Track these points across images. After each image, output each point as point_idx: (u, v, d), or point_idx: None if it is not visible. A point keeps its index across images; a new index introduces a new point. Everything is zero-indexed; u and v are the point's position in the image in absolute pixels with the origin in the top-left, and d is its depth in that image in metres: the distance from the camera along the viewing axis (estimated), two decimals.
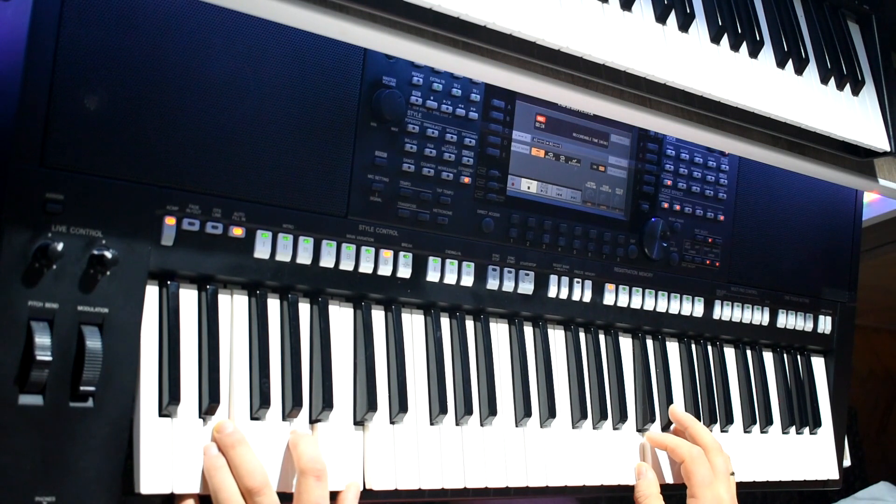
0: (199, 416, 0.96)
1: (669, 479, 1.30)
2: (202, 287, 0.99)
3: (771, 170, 1.43)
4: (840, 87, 1.27)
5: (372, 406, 1.06)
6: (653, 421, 1.31)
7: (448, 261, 1.15)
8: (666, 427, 1.33)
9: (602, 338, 1.30)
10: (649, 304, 1.33)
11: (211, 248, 0.98)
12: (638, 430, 1.31)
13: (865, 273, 1.64)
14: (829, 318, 1.56)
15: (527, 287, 1.22)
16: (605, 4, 1.05)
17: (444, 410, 1.11)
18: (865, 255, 1.78)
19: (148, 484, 0.91)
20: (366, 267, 1.08)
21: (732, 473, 1.27)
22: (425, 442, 1.10)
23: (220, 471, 0.93)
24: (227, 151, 0.99)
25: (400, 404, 1.08)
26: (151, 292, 0.95)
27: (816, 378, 1.55)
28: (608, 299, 1.29)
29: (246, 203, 1.00)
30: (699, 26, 1.13)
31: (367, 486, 1.05)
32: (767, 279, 1.48)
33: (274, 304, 1.04)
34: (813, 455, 1.50)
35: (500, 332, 1.21)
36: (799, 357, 1.54)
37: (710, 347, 1.42)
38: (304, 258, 1.04)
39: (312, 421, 1.04)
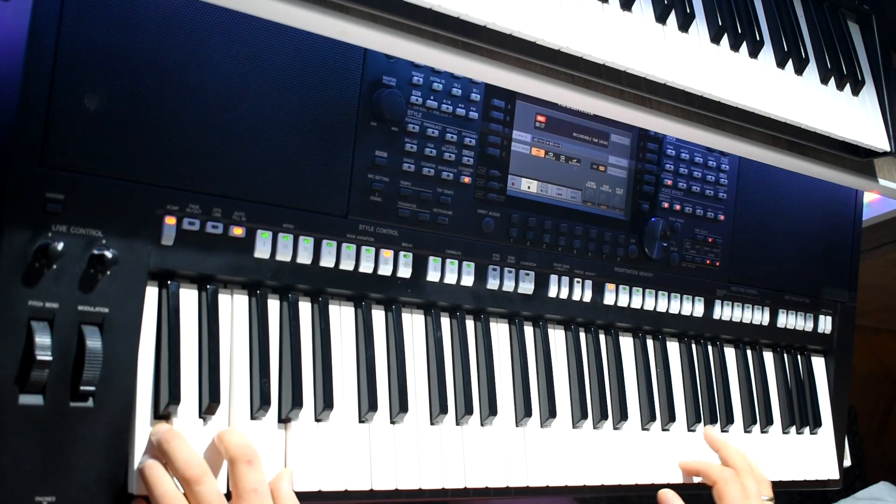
0: (199, 416, 0.96)
1: (675, 479, 1.30)
2: (202, 287, 0.99)
3: (771, 170, 1.43)
4: (840, 87, 1.27)
5: (372, 406, 1.06)
6: (653, 420, 1.31)
7: (448, 260, 1.15)
8: (666, 427, 1.33)
9: (602, 337, 1.30)
10: (649, 304, 1.33)
11: (211, 248, 0.98)
12: (640, 430, 1.31)
13: (865, 273, 1.64)
14: (829, 318, 1.56)
15: (527, 287, 1.22)
16: (605, 4, 1.05)
17: (444, 410, 1.11)
18: (865, 255, 1.78)
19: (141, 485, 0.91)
20: (366, 267, 1.08)
21: (771, 499, 1.27)
22: (426, 442, 1.10)
23: (151, 468, 0.90)
24: (228, 151, 0.99)
25: (400, 404, 1.08)
26: (151, 292, 0.95)
27: (816, 378, 1.55)
28: (608, 299, 1.29)
29: (246, 203, 1.00)
30: (699, 26, 1.13)
31: (368, 486, 1.05)
32: (767, 279, 1.48)
33: (274, 304, 1.04)
34: (813, 455, 1.50)
35: (500, 331, 1.21)
36: (799, 357, 1.54)
37: (710, 347, 1.42)
38: (305, 258, 1.04)
39: (313, 420, 1.04)
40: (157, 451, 0.92)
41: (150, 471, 0.90)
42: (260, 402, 0.99)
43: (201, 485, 0.89)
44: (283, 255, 1.03)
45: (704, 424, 1.37)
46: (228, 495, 0.94)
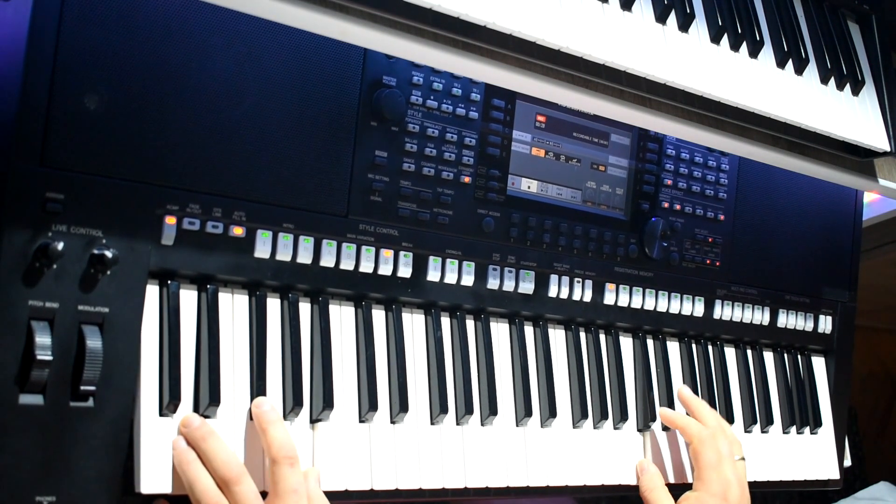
0: (200, 416, 0.96)
1: (671, 479, 1.30)
2: (202, 287, 0.99)
3: (771, 170, 1.43)
4: (840, 87, 1.27)
5: (373, 406, 1.06)
6: (654, 420, 1.31)
7: (448, 260, 1.15)
8: (666, 427, 1.33)
9: (602, 337, 1.30)
10: (650, 304, 1.33)
11: (211, 248, 0.98)
12: (639, 430, 1.31)
13: (865, 273, 1.64)
14: (829, 318, 1.56)
15: (527, 287, 1.22)
16: (605, 4, 1.05)
17: (444, 410, 1.11)
18: (865, 255, 1.78)
19: (148, 484, 0.91)
20: (366, 266, 1.08)
21: (742, 458, 1.27)
22: (426, 442, 1.10)
23: (192, 464, 0.91)
24: (228, 151, 0.99)
25: (400, 404, 1.08)
26: (152, 292, 0.95)
27: (817, 378, 1.55)
28: (608, 299, 1.29)
29: (246, 202, 1.00)
30: (699, 26, 1.13)
31: (369, 486, 1.05)
32: (767, 279, 1.48)
33: (274, 304, 1.04)
34: (813, 455, 1.50)
35: (500, 331, 1.21)
36: (799, 357, 1.54)
37: (710, 347, 1.42)
38: (305, 258, 1.04)
39: (313, 420, 1.04)
40: (190, 446, 0.93)
41: (189, 467, 0.91)
42: None
43: (240, 485, 0.91)
44: (284, 255, 1.03)
45: None
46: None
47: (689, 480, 1.31)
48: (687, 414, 1.31)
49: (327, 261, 1.06)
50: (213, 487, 0.91)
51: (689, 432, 1.26)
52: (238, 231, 1.00)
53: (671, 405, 1.33)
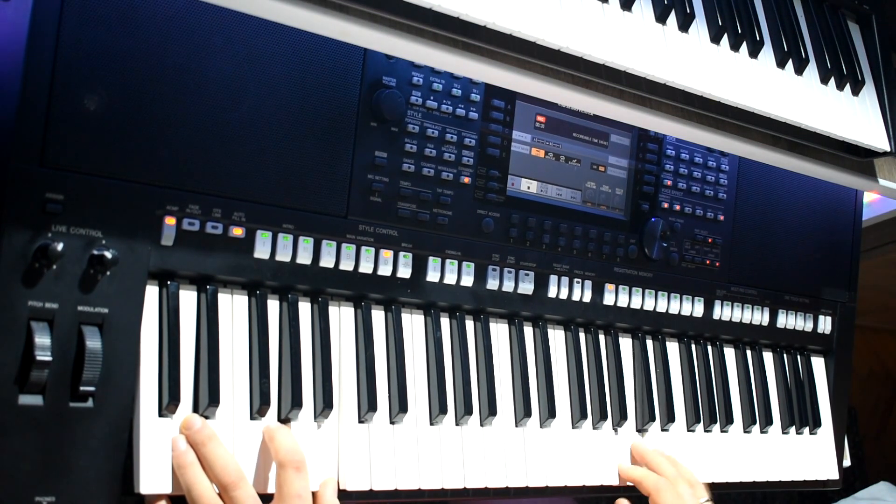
0: (200, 416, 0.96)
1: None
2: (202, 287, 0.99)
3: (771, 170, 1.43)
4: (840, 87, 1.27)
5: (372, 406, 1.06)
6: (652, 420, 1.31)
7: (448, 261, 1.15)
8: (665, 427, 1.33)
9: (602, 338, 1.30)
10: (649, 304, 1.33)
11: (211, 248, 0.98)
12: (638, 430, 1.31)
13: (865, 273, 1.64)
14: (829, 318, 1.56)
15: (527, 287, 1.22)
16: (605, 4, 1.04)
17: (443, 410, 1.11)
18: (865, 255, 1.78)
19: (148, 484, 0.91)
20: (366, 267, 1.08)
21: (710, 500, 1.24)
22: (425, 442, 1.10)
23: (191, 467, 0.92)
24: (228, 151, 0.99)
25: (400, 404, 1.08)
26: (151, 292, 0.95)
27: (816, 378, 1.55)
28: (608, 299, 1.29)
29: (246, 203, 1.00)
30: (699, 26, 1.13)
31: (368, 486, 1.05)
32: (767, 279, 1.48)
33: (274, 305, 1.04)
34: (813, 455, 1.50)
35: (499, 332, 1.21)
36: (799, 357, 1.54)
37: (709, 347, 1.42)
38: (304, 258, 1.04)
39: (314, 421, 1.04)
40: (188, 447, 0.93)
41: (188, 470, 0.91)
42: (259, 403, 0.99)
43: (238, 489, 0.92)
44: (283, 256, 1.03)
45: (704, 425, 1.37)
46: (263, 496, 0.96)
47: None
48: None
49: (327, 261, 1.06)
50: (210, 491, 0.91)
51: (645, 485, 1.22)
52: (237, 231, 1.00)
53: (670, 406, 1.33)
